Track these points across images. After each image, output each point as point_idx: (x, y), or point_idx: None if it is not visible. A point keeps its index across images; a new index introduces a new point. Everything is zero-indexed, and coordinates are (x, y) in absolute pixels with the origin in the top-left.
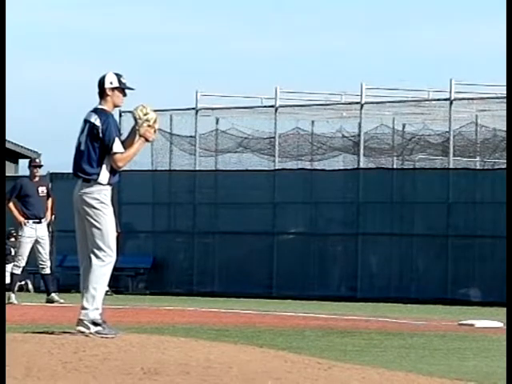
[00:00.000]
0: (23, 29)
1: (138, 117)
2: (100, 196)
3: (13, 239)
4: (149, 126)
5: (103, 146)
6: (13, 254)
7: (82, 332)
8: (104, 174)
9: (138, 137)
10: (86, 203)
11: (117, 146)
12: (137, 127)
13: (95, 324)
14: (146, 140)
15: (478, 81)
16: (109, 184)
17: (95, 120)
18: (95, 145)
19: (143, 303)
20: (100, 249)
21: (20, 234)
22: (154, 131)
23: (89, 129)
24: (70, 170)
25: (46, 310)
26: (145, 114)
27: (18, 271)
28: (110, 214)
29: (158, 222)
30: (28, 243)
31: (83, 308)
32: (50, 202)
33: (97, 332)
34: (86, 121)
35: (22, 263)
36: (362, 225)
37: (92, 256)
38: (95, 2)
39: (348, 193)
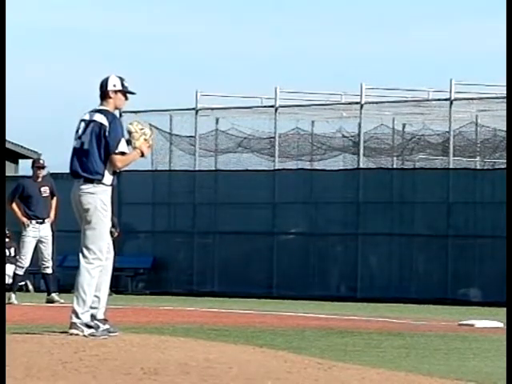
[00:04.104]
0: (23, 29)
1: (134, 130)
2: (103, 197)
3: (7, 240)
4: (145, 139)
5: (107, 147)
6: (7, 254)
7: (76, 335)
8: (108, 175)
9: (132, 149)
10: (88, 203)
11: (122, 146)
12: (133, 140)
13: (88, 326)
14: (142, 154)
15: (478, 81)
16: (111, 185)
17: (101, 119)
18: (100, 144)
19: (143, 303)
20: (89, 250)
21: (23, 234)
22: (149, 146)
23: (94, 128)
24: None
25: (46, 309)
26: (140, 129)
27: (20, 272)
28: (108, 218)
29: (157, 222)
30: (31, 243)
31: (74, 312)
32: (54, 201)
33: (90, 334)
34: (90, 121)
35: (26, 264)
36: (362, 225)
37: (80, 255)
38: (95, 2)
39: (348, 193)
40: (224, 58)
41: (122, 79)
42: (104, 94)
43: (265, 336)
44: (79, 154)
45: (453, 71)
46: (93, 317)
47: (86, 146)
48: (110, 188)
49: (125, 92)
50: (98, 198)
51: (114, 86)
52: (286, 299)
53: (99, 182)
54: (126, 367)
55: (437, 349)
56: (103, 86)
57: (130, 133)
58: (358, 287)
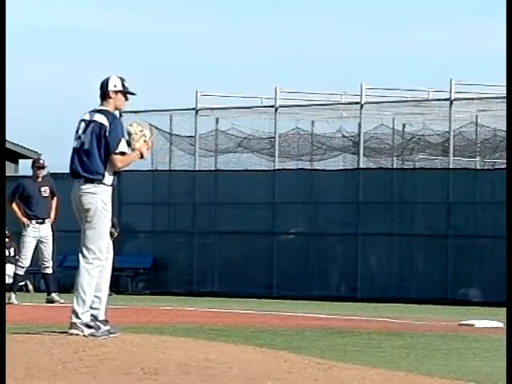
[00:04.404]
0: (23, 29)
1: (134, 132)
2: (104, 197)
3: (6, 239)
4: (144, 141)
5: (107, 147)
6: (7, 254)
7: (76, 335)
8: (108, 175)
9: (131, 150)
10: (89, 203)
11: (122, 146)
12: (132, 142)
13: (88, 326)
14: (141, 156)
15: (478, 81)
16: (111, 185)
17: (102, 120)
18: (101, 145)
19: (143, 303)
20: (89, 250)
21: (23, 234)
22: (148, 148)
23: (95, 128)
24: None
25: (46, 309)
26: (140, 131)
27: (21, 272)
28: (108, 218)
29: (157, 222)
30: (31, 243)
31: (74, 312)
32: (54, 201)
33: (90, 334)
34: (90, 121)
35: (26, 263)
36: (362, 225)
37: (80, 255)
38: (96, 2)
39: (348, 193)
40: (224, 58)
41: (122, 80)
42: (104, 94)
43: (265, 336)
44: (79, 154)
45: (453, 71)
46: (95, 318)
47: (86, 146)
48: (110, 188)
49: (125, 93)
50: (99, 198)
51: (115, 86)
52: (286, 299)
53: (100, 182)
54: (126, 367)
55: (437, 349)
56: (104, 86)
57: (129, 134)
58: (358, 287)
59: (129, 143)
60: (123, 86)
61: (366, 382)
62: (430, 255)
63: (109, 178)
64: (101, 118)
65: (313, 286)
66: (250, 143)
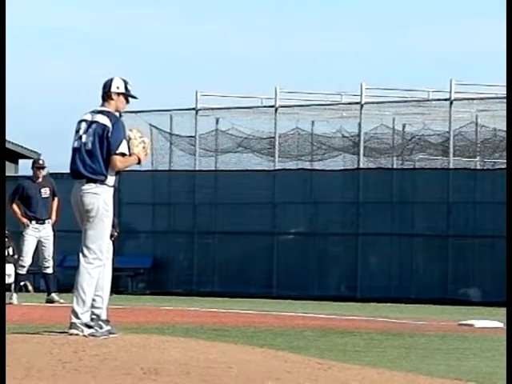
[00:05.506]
0: (23, 29)
1: (133, 137)
2: (106, 197)
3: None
4: (143, 147)
5: (109, 148)
6: (5, 254)
7: (76, 335)
8: (110, 176)
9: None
10: (90, 203)
11: (123, 147)
12: (132, 146)
13: (88, 326)
14: (139, 161)
15: (478, 81)
16: (113, 186)
17: (104, 121)
18: (103, 146)
19: (143, 303)
20: (90, 249)
21: (24, 233)
22: (146, 154)
23: (97, 130)
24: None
25: (46, 309)
26: (140, 137)
27: (22, 271)
28: (109, 218)
29: (158, 222)
30: (32, 242)
31: (74, 312)
32: (55, 202)
33: (90, 334)
34: (92, 121)
35: (27, 262)
36: (362, 225)
37: (80, 255)
38: (95, 3)
39: (348, 193)
40: (224, 58)
41: (125, 82)
42: (106, 95)
43: (265, 336)
44: (81, 155)
45: (453, 71)
46: (97, 317)
47: (88, 147)
48: (112, 189)
49: (127, 95)
50: (101, 199)
51: (118, 88)
52: (286, 299)
53: (102, 182)
54: (126, 367)
55: (437, 349)
56: (106, 86)
57: (129, 139)
58: (358, 287)
59: (128, 147)
60: (126, 88)
61: (366, 382)
62: (430, 255)
63: (111, 179)
64: (103, 119)
65: (313, 286)
66: (250, 143)
